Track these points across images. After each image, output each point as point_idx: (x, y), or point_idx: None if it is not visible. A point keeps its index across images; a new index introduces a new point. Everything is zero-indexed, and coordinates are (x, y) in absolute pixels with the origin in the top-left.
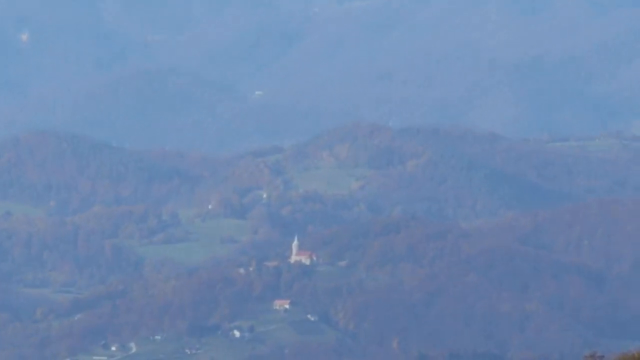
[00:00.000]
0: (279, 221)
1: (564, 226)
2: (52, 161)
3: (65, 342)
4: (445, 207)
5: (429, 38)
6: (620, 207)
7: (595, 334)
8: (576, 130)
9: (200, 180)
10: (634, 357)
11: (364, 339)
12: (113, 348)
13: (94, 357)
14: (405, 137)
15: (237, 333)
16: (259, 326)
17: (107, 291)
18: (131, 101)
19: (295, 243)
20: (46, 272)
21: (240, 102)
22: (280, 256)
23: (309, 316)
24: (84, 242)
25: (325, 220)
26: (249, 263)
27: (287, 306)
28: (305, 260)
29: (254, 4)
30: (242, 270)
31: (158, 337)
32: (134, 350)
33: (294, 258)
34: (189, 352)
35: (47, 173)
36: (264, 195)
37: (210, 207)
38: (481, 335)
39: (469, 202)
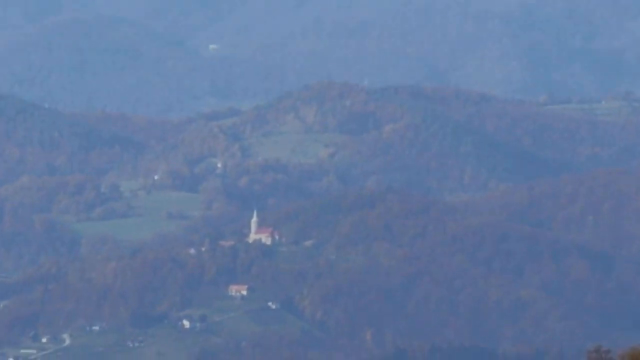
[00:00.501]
0: (236, 194)
1: (564, 200)
2: None
3: None
4: (427, 178)
5: None
6: (629, 178)
7: (601, 324)
8: (578, 92)
9: (145, 147)
10: None
11: (333, 329)
12: (44, 340)
13: (22, 351)
14: (381, 99)
15: (186, 323)
16: (212, 315)
17: (37, 274)
18: (66, 56)
19: (254, 219)
20: None
21: (191, 57)
22: (237, 234)
23: (269, 304)
24: (10, 217)
25: (289, 193)
26: (200, 242)
27: (244, 292)
28: (266, 239)
29: None
30: (192, 251)
31: (96, 328)
32: (67, 342)
33: (252, 237)
34: (131, 345)
35: None
36: (219, 165)
37: (156, 177)
38: (468, 327)
39: (455, 173)
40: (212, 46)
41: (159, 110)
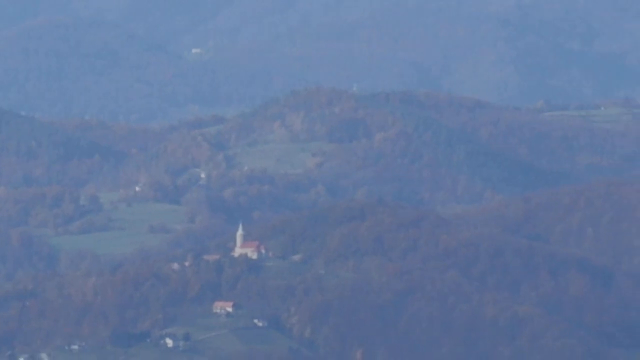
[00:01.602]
0: (220, 206)
1: (562, 212)
2: None
3: None
4: (419, 189)
5: None
6: (630, 189)
7: (601, 341)
8: (576, 97)
9: (125, 157)
10: None
11: (322, 348)
12: (21, 359)
13: None
14: (371, 105)
15: (169, 342)
16: (196, 333)
17: (14, 290)
18: (43, 61)
19: (239, 233)
20: None
21: (174, 62)
22: (222, 248)
23: (256, 321)
24: None
25: (276, 205)
26: (184, 257)
27: (229, 309)
28: (252, 253)
29: None
30: (175, 266)
31: (75, 347)
32: None
33: (238, 251)
34: None
35: None
36: (202, 175)
37: (137, 189)
38: (463, 345)
39: (449, 184)
40: (195, 50)
41: (140, 118)
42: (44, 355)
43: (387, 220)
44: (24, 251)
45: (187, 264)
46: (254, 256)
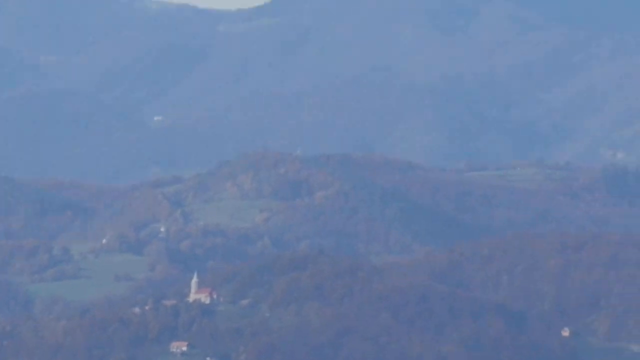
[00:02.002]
0: (178, 257)
1: (482, 262)
2: None
3: None
4: (355, 241)
5: (340, 59)
6: (541, 242)
7: None
8: (495, 159)
9: (94, 212)
10: None
11: None
12: None
13: None
14: (313, 167)
15: None
16: None
17: None
18: (21, 126)
19: (194, 280)
20: None
21: (138, 128)
22: (179, 294)
23: (208, 359)
24: None
25: (228, 256)
26: (145, 302)
27: (184, 348)
28: (205, 298)
29: (154, 23)
30: (137, 310)
31: None
32: None
33: (192, 296)
34: None
35: None
36: (162, 229)
37: (104, 241)
38: None
39: (382, 237)
40: (156, 118)
41: (107, 178)
42: None
43: (326, 270)
44: (2, 297)
45: (147, 308)
46: (207, 301)
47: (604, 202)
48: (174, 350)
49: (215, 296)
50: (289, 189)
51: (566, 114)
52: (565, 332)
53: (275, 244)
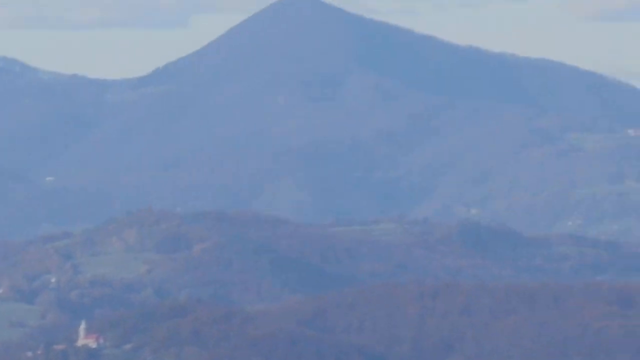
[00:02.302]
0: (68, 305)
1: (346, 309)
2: None
3: None
4: (231, 290)
5: (219, 124)
6: (401, 290)
7: None
8: (359, 216)
9: None
10: None
11: None
12: None
13: None
14: (191, 223)
15: None
16: None
17: None
18: None
19: (82, 327)
20: None
21: (31, 188)
22: (68, 340)
23: None
24: None
25: (113, 304)
26: (37, 347)
27: None
28: (92, 343)
29: (47, 90)
30: (29, 354)
31: None
32: None
33: (80, 341)
34: None
35: None
36: (53, 280)
37: (0, 291)
38: None
39: (254, 286)
40: (48, 178)
41: (2, 234)
42: None
43: (204, 317)
44: None
45: (39, 352)
46: (94, 345)
47: (459, 254)
48: None
49: (101, 341)
50: (170, 243)
51: (424, 174)
52: None
53: (157, 293)
